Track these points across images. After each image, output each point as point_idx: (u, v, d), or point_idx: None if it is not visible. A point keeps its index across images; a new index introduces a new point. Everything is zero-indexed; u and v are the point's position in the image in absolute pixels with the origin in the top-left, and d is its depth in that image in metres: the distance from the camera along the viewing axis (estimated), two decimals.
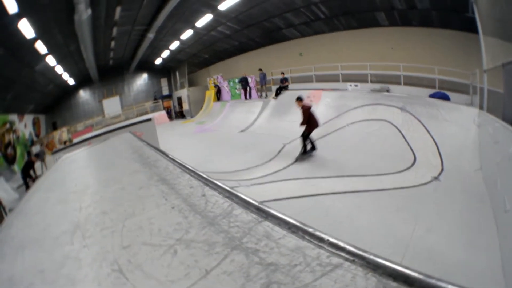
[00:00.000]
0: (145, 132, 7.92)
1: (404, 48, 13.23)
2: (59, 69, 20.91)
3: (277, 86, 15.10)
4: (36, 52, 15.14)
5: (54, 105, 29.03)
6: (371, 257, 0.77)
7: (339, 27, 15.55)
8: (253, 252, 0.86)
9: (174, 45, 23.36)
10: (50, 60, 17.81)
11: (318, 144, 8.01)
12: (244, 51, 22.29)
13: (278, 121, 12.03)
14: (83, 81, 28.60)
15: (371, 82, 13.48)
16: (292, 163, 7.27)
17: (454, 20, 11.29)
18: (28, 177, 10.85)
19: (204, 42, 22.44)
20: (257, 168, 7.17)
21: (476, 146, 6.19)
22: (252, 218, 1.08)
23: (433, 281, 0.69)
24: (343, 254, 0.79)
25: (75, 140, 19.37)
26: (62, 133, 25.09)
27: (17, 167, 18.01)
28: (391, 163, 6.47)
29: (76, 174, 3.36)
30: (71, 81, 26.53)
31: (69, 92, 29.89)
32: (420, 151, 6.81)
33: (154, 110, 30.26)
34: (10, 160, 17.73)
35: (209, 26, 19.09)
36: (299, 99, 7.76)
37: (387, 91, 12.23)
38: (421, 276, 0.71)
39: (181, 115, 29.50)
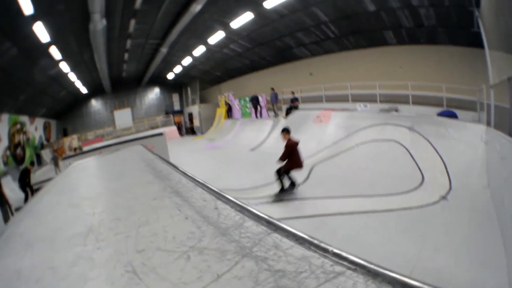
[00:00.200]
0: (156, 146, 8.02)
1: (412, 67, 13.30)
2: (72, 76, 21.16)
3: (287, 106, 15.22)
4: (50, 57, 15.35)
5: (66, 111, 29.47)
6: (372, 266, 0.82)
7: (348, 46, 15.71)
8: (262, 260, 0.92)
9: (187, 61, 23.68)
10: (64, 67, 18.02)
11: (326, 164, 8.03)
12: (255, 70, 22.50)
13: None
14: (95, 90, 28.99)
15: (380, 102, 13.53)
16: (299, 184, 7.22)
17: (460, 36, 11.36)
18: (26, 186, 11.00)
19: (216, 59, 22.72)
20: (266, 187, 7.20)
21: (484, 163, 6.17)
22: (262, 230, 1.14)
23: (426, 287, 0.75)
24: (345, 263, 0.85)
25: (85, 148, 19.61)
26: (73, 140, 25.48)
27: None
28: (399, 183, 6.45)
29: (88, 181, 3.45)
30: (83, 90, 26.85)
31: (81, 100, 30.32)
32: (428, 171, 6.78)
33: (165, 124, 30.49)
34: (19, 160, 17.97)
35: (221, 43, 19.40)
36: (286, 131, 6.86)
37: (396, 110, 12.25)
38: (418, 284, 0.76)
39: (191, 131, 29.67)
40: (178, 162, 3.25)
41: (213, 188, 1.78)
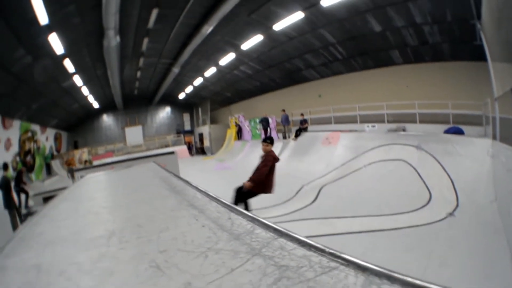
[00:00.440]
0: (167, 165, 8.20)
1: (418, 85, 13.54)
2: (85, 90, 21.53)
3: (297, 128, 15.39)
4: (64, 69, 15.64)
5: (77, 124, 29.98)
6: (361, 262, 0.98)
7: (356, 67, 15.96)
8: (270, 258, 1.08)
9: (198, 81, 24.09)
10: (77, 80, 18.36)
11: (334, 186, 8.16)
12: (265, 92, 22.82)
13: (297, 162, 12.21)
14: (107, 106, 29.50)
15: (388, 122, 13.65)
16: (306, 206, 7.34)
17: (464, 50, 11.55)
18: (21, 190, 10.83)
19: (227, 81, 23.10)
20: (275, 208, 7.33)
21: (491, 177, 6.23)
22: (270, 235, 1.31)
23: (409, 279, 0.90)
24: (339, 260, 1.01)
25: (95, 163, 19.86)
26: (83, 153, 25.63)
27: (34, 176, 18.45)
28: (407, 202, 6.53)
29: (105, 192, 3.62)
30: (95, 104, 27.29)
31: (93, 115, 30.85)
32: (435, 188, 6.86)
33: (175, 144, 30.78)
34: (29, 168, 18.14)
35: (232, 65, 19.79)
36: (270, 140, 5.45)
37: (403, 130, 12.36)
38: (400, 276, 0.92)
39: (201, 151, 29.86)
40: (189, 180, 3.41)
41: (226, 202, 1.96)
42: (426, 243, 4.63)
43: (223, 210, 1.81)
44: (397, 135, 10.27)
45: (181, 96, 30.71)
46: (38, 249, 1.62)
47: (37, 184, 17.61)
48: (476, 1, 8.91)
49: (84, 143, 30.03)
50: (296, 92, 20.15)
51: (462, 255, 4.10)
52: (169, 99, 31.92)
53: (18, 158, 16.79)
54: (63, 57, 14.13)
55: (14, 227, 9.13)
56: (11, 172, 14.87)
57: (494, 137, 7.30)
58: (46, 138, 22.69)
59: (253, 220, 1.56)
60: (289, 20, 13.60)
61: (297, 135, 14.58)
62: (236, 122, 23.93)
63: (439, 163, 7.48)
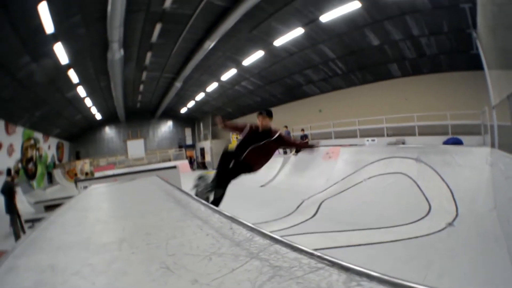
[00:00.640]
0: (169, 178, 8.33)
1: (417, 98, 13.81)
2: (88, 102, 21.91)
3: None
4: (68, 79, 15.93)
5: (80, 134, 30.32)
6: (344, 263, 1.14)
7: (355, 81, 16.22)
8: (265, 260, 1.23)
9: (200, 96, 24.38)
10: (81, 91, 18.72)
11: (334, 200, 8.32)
12: (266, 107, 23.05)
13: (298, 177, 12.29)
14: (110, 118, 29.92)
15: (387, 135, 13.83)
16: (307, 220, 7.42)
17: (461, 60, 11.84)
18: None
19: (229, 96, 23.38)
20: (276, 222, 7.43)
21: (490, 185, 6.33)
22: (267, 242, 1.47)
23: (386, 277, 1.04)
24: (325, 262, 1.16)
25: (97, 174, 19.98)
26: (85, 164, 26.00)
27: (35, 184, 18.53)
28: (406, 214, 6.61)
29: (111, 203, 3.76)
30: (98, 116, 27.74)
31: (95, 126, 31.20)
32: (435, 200, 6.96)
33: (177, 158, 30.84)
34: (30, 175, 18.31)
35: (234, 80, 20.10)
36: (265, 113, 4.95)
37: (403, 143, 12.50)
38: (378, 274, 1.06)
39: (203, 166, 29.92)
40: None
41: (228, 214, 2.12)
42: (425, 254, 4.68)
43: (225, 221, 1.97)
44: (397, 148, 10.35)
45: (183, 110, 30.98)
46: (50, 252, 1.71)
47: (38, 192, 17.78)
48: (471, 10, 9.21)
49: (86, 154, 30.25)
50: (297, 107, 20.38)
51: (462, 264, 4.17)
52: (171, 113, 32.18)
53: (20, 165, 16.98)
54: (67, 67, 14.44)
55: (16, 233, 9.23)
56: (14, 178, 15.13)
57: (492, 145, 7.51)
58: (48, 147, 22.94)
59: (252, 229, 1.71)
60: (290, 36, 13.92)
61: (297, 150, 14.67)
62: (237, 137, 23.90)
63: (438, 174, 7.57)
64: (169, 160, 29.84)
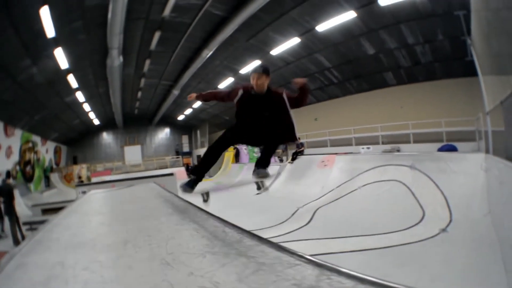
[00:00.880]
0: (166, 186, 8.44)
1: (412, 105, 13.94)
2: (86, 107, 22.17)
3: (293, 151, 15.66)
4: (67, 84, 16.16)
5: (78, 139, 30.49)
6: (318, 260, 1.33)
7: (351, 90, 16.42)
8: (252, 257, 1.43)
9: (197, 103, 24.52)
10: (79, 96, 18.99)
11: (329, 207, 8.40)
12: None
13: (293, 185, 12.31)
14: (107, 124, 30.15)
15: (383, 143, 13.94)
16: (301, 227, 7.50)
17: (456, 67, 11.99)
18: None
19: (225, 104, 23.31)
20: (271, 229, 7.53)
21: (485, 191, 6.38)
22: (254, 243, 1.66)
23: (353, 273, 1.23)
24: (303, 259, 1.36)
25: (94, 179, 20.05)
26: (82, 169, 26.01)
27: (33, 187, 18.54)
28: (401, 221, 6.67)
29: (112, 208, 3.92)
30: (96, 121, 27.99)
31: (93, 131, 31.40)
32: (429, 206, 7.01)
33: (173, 165, 30.70)
34: (28, 178, 18.46)
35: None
36: (262, 70, 3.86)
37: (398, 150, 12.58)
38: (346, 271, 1.25)
39: None
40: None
41: (221, 218, 2.32)
42: (418, 259, 4.76)
43: (219, 224, 2.18)
44: (392, 156, 10.40)
45: (180, 117, 31.10)
46: (58, 250, 1.87)
47: (35, 195, 17.87)
48: (465, 17, 9.34)
49: (83, 159, 30.29)
50: (294, 116, 20.47)
51: (455, 269, 4.25)
52: (169, 120, 32.29)
53: (18, 167, 17.08)
54: (67, 72, 14.66)
55: (14, 235, 9.28)
56: (11, 180, 15.16)
57: (487, 151, 7.59)
58: (46, 150, 23.04)
59: (243, 232, 1.93)
60: (286, 45, 14.12)
61: (293, 158, 14.82)
62: (234, 145, 23.98)
63: (433, 181, 7.61)
64: (166, 167, 29.76)
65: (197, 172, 4.32)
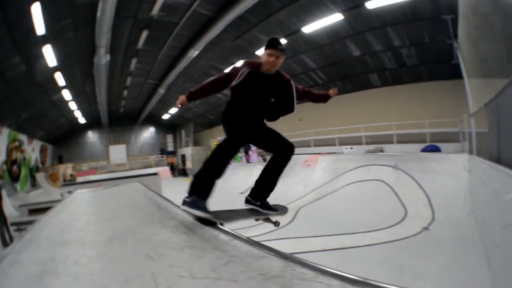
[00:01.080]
0: (150, 184, 8.43)
1: (396, 107, 14.01)
2: (72, 105, 21.88)
3: None
4: (54, 82, 15.96)
5: (63, 138, 29.98)
6: (285, 253, 1.51)
7: None
8: (226, 251, 1.60)
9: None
10: (66, 94, 18.72)
11: (311, 207, 8.63)
12: None
13: (277, 185, 12.29)
14: (93, 122, 29.65)
15: (366, 143, 14.06)
16: (283, 226, 7.48)
17: (441, 70, 12.08)
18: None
19: (210, 103, 23.45)
20: (251, 229, 7.40)
21: (468, 191, 6.56)
22: (229, 238, 1.86)
23: (314, 264, 1.39)
24: (271, 253, 1.55)
25: (79, 179, 19.82)
26: (67, 169, 25.59)
27: (19, 187, 18.27)
28: (383, 220, 6.82)
29: (98, 207, 4.02)
30: (82, 120, 27.58)
31: (78, 130, 30.90)
32: (411, 205, 7.18)
33: (158, 164, 30.46)
34: (14, 178, 18.10)
35: None
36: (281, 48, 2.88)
37: (381, 151, 12.70)
38: (309, 263, 1.42)
39: (183, 172, 29.71)
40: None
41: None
42: (399, 257, 4.87)
43: (197, 222, 2.35)
44: (375, 156, 10.64)
45: (166, 116, 30.93)
46: (49, 248, 1.98)
47: (22, 195, 17.53)
48: (453, 21, 9.42)
49: (69, 158, 29.86)
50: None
51: (437, 267, 4.35)
52: (154, 119, 32.07)
53: (4, 167, 16.81)
54: (54, 69, 14.47)
55: (2, 237, 9.15)
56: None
57: (470, 152, 7.74)
58: (32, 149, 22.62)
59: (219, 229, 2.12)
60: None
61: None
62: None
63: (415, 181, 7.81)
64: (151, 166, 29.58)
65: (202, 188, 2.65)
